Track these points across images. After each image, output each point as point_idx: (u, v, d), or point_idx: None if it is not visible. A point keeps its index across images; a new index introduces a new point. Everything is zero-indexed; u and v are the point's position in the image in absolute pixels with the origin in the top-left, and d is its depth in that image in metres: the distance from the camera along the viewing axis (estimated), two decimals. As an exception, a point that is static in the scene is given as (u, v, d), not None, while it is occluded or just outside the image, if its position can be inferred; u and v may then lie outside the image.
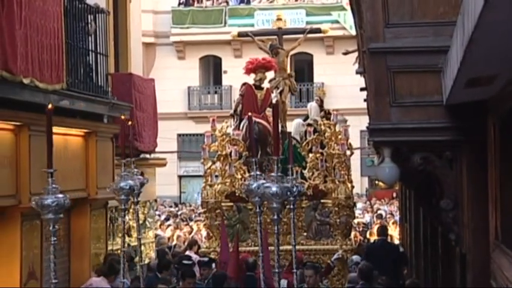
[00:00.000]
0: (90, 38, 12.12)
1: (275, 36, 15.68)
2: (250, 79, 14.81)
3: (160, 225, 19.60)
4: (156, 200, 22.01)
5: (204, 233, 16.15)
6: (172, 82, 30.76)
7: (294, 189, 4.76)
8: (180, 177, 31.56)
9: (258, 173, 4.19)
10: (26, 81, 9.30)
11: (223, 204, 13.19)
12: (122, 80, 14.26)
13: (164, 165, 18.05)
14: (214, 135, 13.64)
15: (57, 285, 4.27)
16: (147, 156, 16.31)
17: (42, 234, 10.40)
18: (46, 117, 4.01)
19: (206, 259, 11.25)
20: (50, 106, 3.98)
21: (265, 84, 14.73)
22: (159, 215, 21.79)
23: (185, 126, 30.93)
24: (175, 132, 29.89)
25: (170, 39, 31.97)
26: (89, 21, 12.12)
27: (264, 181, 4.41)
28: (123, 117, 7.16)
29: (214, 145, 13.52)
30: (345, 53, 20.23)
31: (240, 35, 18.53)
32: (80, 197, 11.48)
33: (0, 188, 9.11)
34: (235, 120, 14.27)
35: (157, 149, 16.51)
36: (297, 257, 9.91)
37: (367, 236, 17.69)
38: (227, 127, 13.81)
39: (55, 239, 4.04)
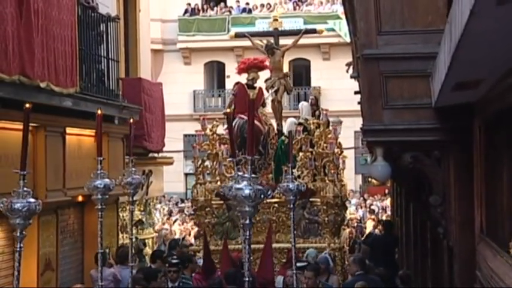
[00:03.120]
0: (102, 45, 12.13)
1: (271, 37, 14.92)
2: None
3: (166, 219, 19.60)
4: (164, 196, 22.04)
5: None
6: (179, 86, 30.77)
7: (293, 187, 4.59)
8: (186, 174, 31.56)
9: (240, 173, 3.62)
10: (42, 85, 9.32)
11: (213, 202, 12.43)
12: (132, 84, 14.27)
13: (171, 163, 18.05)
14: (205, 135, 13.01)
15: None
16: (156, 155, 16.33)
17: (57, 228, 10.44)
18: (24, 116, 3.51)
19: (175, 260, 9.44)
20: (27, 105, 3.47)
21: (261, 84, 13.97)
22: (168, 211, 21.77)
23: (191, 127, 30.78)
24: (181, 133, 29.83)
25: (177, 46, 31.98)
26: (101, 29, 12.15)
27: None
28: (131, 120, 6.96)
29: (205, 143, 12.85)
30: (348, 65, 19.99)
31: (237, 35, 17.88)
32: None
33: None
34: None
35: (164, 149, 16.51)
36: (289, 255, 9.47)
37: (363, 231, 17.64)
38: (217, 126, 13.15)
39: (21, 245, 3.39)
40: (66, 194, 10.49)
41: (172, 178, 24.82)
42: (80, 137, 11.14)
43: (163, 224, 18.81)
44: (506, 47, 3.72)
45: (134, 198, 5.86)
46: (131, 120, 6.21)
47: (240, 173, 3.52)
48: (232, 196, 3.44)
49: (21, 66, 8.76)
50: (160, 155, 16.72)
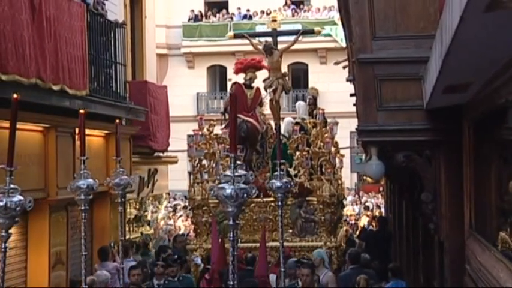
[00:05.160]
0: (110, 49, 12.14)
1: (270, 37, 14.17)
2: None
3: (172, 215, 19.59)
4: (169, 193, 22.01)
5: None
6: (183, 89, 30.76)
7: (280, 185, 4.40)
8: (190, 173, 31.55)
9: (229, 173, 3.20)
10: (55, 88, 9.34)
11: (210, 201, 11.77)
12: (138, 87, 14.28)
13: (176, 162, 18.03)
14: (203, 134, 12.50)
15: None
16: (161, 154, 16.34)
17: (67, 223, 10.45)
18: (11, 108, 3.02)
19: (175, 256, 9.58)
20: (15, 96, 2.97)
21: (259, 84, 13.34)
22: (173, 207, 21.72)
23: (194, 128, 30.91)
24: (185, 133, 29.82)
25: (181, 51, 32.00)
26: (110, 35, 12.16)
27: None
28: (117, 120, 6.66)
29: (203, 143, 12.31)
30: (336, 63, 19.92)
31: (236, 36, 17.11)
32: (101, 190, 11.51)
33: (30, 182, 9.14)
34: (225, 118, 12.60)
35: (169, 148, 16.51)
36: (285, 253, 9.12)
37: (358, 227, 17.59)
38: (214, 125, 12.61)
39: (6, 245, 2.93)
40: (75, 191, 10.49)
41: (177, 176, 24.76)
42: (89, 137, 11.14)
43: (169, 219, 18.80)
44: (493, 52, 3.73)
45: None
46: (117, 121, 5.87)
47: (227, 172, 3.20)
48: (214, 196, 3.15)
49: (37, 70, 8.79)
50: (165, 154, 16.72)
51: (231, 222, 3.14)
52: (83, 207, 4.35)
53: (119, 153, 5.37)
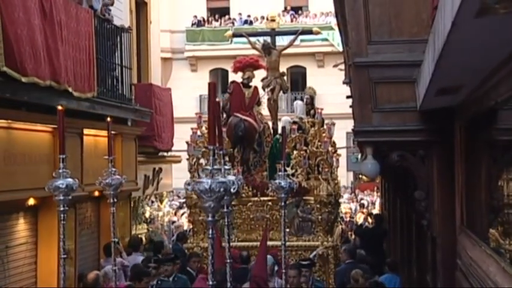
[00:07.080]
0: (116, 53, 12.14)
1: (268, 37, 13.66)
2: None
3: (175, 213, 19.58)
4: (173, 191, 21.98)
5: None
6: (186, 91, 30.79)
7: (284, 185, 4.19)
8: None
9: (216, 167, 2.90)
10: (71, 90, 9.39)
11: None
12: (144, 89, 14.29)
13: (179, 161, 18.02)
14: (201, 133, 12.09)
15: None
16: (165, 154, 16.35)
17: (76, 219, 10.46)
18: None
19: (171, 255, 9.51)
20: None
21: (257, 83, 12.82)
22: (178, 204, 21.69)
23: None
24: (188, 134, 29.86)
25: (184, 55, 32.03)
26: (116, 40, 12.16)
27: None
28: (108, 119, 6.28)
29: (200, 141, 11.92)
30: (336, 66, 19.83)
31: (234, 35, 16.82)
32: (108, 188, 11.50)
33: (40, 181, 9.10)
34: (223, 117, 11.84)
35: (173, 148, 16.52)
36: (270, 252, 8.28)
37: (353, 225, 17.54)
38: None
39: None
40: (83, 189, 10.49)
41: (180, 175, 24.75)
42: (96, 138, 11.16)
43: (173, 216, 18.80)
44: (483, 56, 3.73)
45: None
46: (108, 119, 5.46)
47: (208, 167, 2.91)
48: (192, 191, 2.88)
49: (51, 72, 8.82)
50: (170, 153, 16.73)
51: (209, 219, 2.88)
52: (61, 208, 3.95)
53: (111, 152, 5.01)
